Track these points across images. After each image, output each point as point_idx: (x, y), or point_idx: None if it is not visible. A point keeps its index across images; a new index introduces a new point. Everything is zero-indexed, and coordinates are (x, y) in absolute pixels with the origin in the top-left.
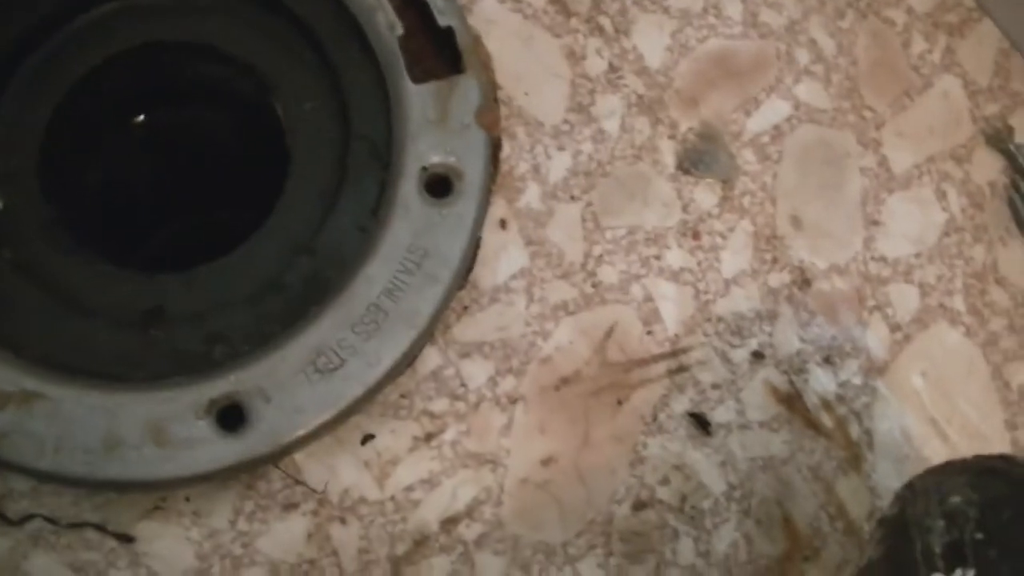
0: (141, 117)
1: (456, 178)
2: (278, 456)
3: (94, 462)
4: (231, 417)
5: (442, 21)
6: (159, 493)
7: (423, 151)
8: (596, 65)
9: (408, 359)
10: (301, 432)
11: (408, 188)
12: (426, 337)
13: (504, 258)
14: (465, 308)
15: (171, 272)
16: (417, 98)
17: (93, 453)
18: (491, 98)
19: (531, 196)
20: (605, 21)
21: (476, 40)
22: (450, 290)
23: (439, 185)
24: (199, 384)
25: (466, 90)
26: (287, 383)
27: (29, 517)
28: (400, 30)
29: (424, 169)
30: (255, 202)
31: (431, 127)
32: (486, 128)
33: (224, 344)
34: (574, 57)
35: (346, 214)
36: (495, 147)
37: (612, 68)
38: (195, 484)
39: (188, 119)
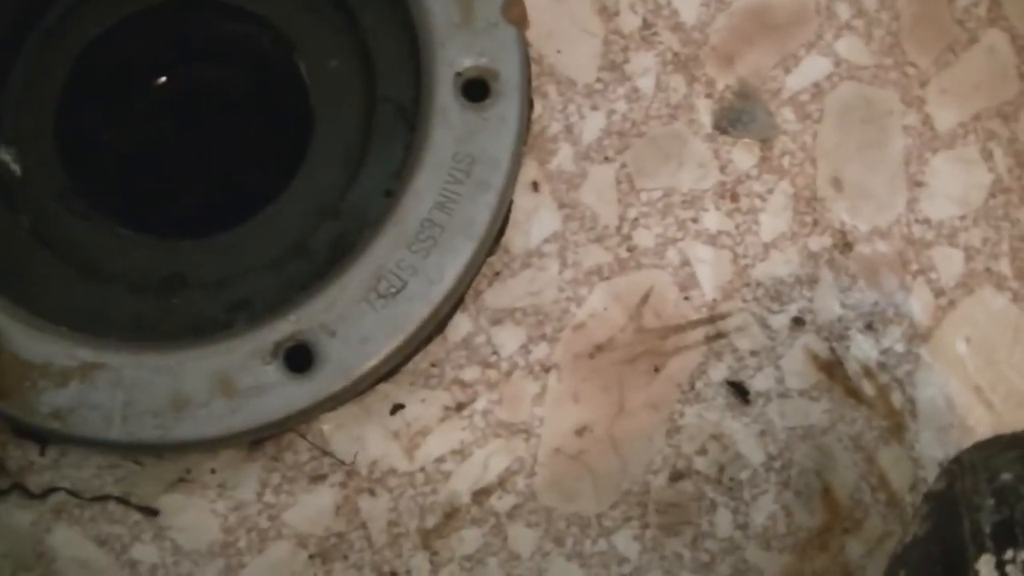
0: (161, 78)
1: (492, 79)
2: (351, 392)
3: (165, 425)
4: (299, 358)
5: None
6: (235, 446)
7: (454, 56)
8: (629, 21)
9: (471, 272)
10: (373, 362)
11: (444, 95)
12: (486, 247)
13: (536, 221)
14: (496, 273)
15: (192, 238)
16: (439, 3)
17: (163, 416)
18: None
19: (563, 157)
20: None
21: None
22: (504, 196)
23: (476, 88)
24: (261, 329)
25: None
26: (350, 314)
27: (51, 490)
28: None
29: (458, 74)
30: (278, 165)
31: (458, 30)
32: (515, 23)
33: (246, 311)
34: (606, 13)
35: (372, 177)
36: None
37: (646, 24)
38: (270, 431)
39: (208, 79)
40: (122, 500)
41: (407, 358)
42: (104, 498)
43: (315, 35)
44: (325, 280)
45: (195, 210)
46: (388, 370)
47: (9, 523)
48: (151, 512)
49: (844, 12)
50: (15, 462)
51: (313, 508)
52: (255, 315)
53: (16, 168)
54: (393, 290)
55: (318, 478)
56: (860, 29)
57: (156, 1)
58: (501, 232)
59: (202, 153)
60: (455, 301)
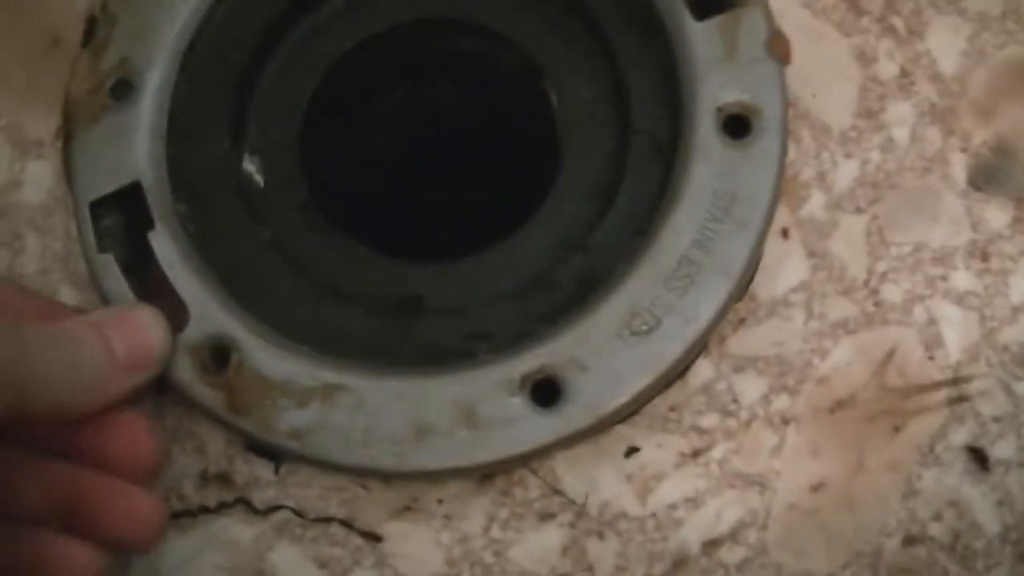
0: (402, 97)
1: (754, 116)
2: (597, 429)
3: (405, 452)
4: (545, 391)
5: None
6: (477, 477)
7: (715, 91)
8: (887, 69)
9: (722, 314)
10: (622, 400)
11: (705, 131)
12: (740, 289)
13: (784, 270)
14: (742, 320)
15: (431, 262)
16: (702, 36)
17: (403, 443)
18: (777, 28)
19: (815, 205)
20: (898, 22)
21: None
22: (761, 236)
23: (737, 125)
24: (508, 360)
25: (752, 22)
26: (602, 350)
27: (276, 508)
28: None
29: (719, 110)
30: (520, 192)
31: (720, 65)
32: (778, 59)
33: (487, 341)
34: (864, 59)
35: (623, 212)
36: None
37: (904, 73)
38: (510, 466)
39: (449, 100)
40: (346, 523)
41: (647, 400)
42: (328, 520)
43: (567, 62)
44: (575, 314)
45: (433, 233)
46: (628, 411)
47: (232, 537)
48: (375, 538)
49: None
50: (242, 477)
51: (539, 547)
52: (497, 345)
53: (260, 179)
54: (647, 328)
55: (547, 516)
56: None
57: (403, 20)
58: (750, 278)
59: (440, 175)
60: (703, 344)
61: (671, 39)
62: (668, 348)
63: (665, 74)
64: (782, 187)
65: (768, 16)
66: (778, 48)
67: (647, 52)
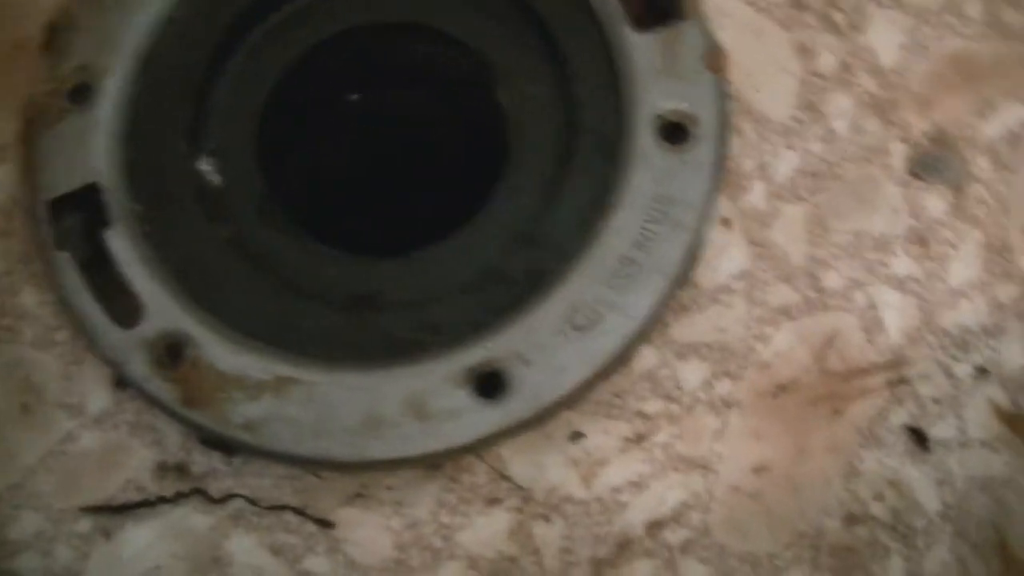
0: (358, 97)
1: (691, 123)
2: (540, 419)
3: (357, 443)
4: (491, 384)
5: None
6: (425, 466)
7: (655, 100)
8: (828, 62)
9: (663, 308)
10: (563, 392)
11: (644, 138)
12: (678, 284)
13: (726, 258)
14: (684, 307)
15: (385, 256)
16: (643, 48)
17: (355, 434)
18: (715, 42)
19: (756, 195)
20: (839, 16)
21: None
22: (697, 235)
23: (674, 132)
24: (455, 354)
25: (690, 36)
26: (545, 344)
27: (231, 497)
28: None
29: (658, 117)
30: (472, 187)
31: (660, 75)
32: (715, 71)
33: (438, 333)
34: (806, 53)
35: (569, 207)
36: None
37: (844, 66)
38: (457, 455)
39: (404, 100)
40: (299, 511)
41: (589, 390)
42: (282, 508)
43: (516, 61)
44: (521, 309)
45: (387, 229)
46: (571, 401)
47: (188, 526)
48: (327, 524)
49: None
50: (198, 467)
51: (487, 531)
52: (447, 337)
53: (216, 179)
54: (588, 322)
55: (494, 501)
56: None
57: (358, 22)
58: (691, 266)
59: (396, 172)
60: (643, 336)
61: (612, 49)
62: (608, 342)
63: (610, 79)
64: (723, 178)
65: (705, 30)
66: (715, 61)
67: (593, 58)
